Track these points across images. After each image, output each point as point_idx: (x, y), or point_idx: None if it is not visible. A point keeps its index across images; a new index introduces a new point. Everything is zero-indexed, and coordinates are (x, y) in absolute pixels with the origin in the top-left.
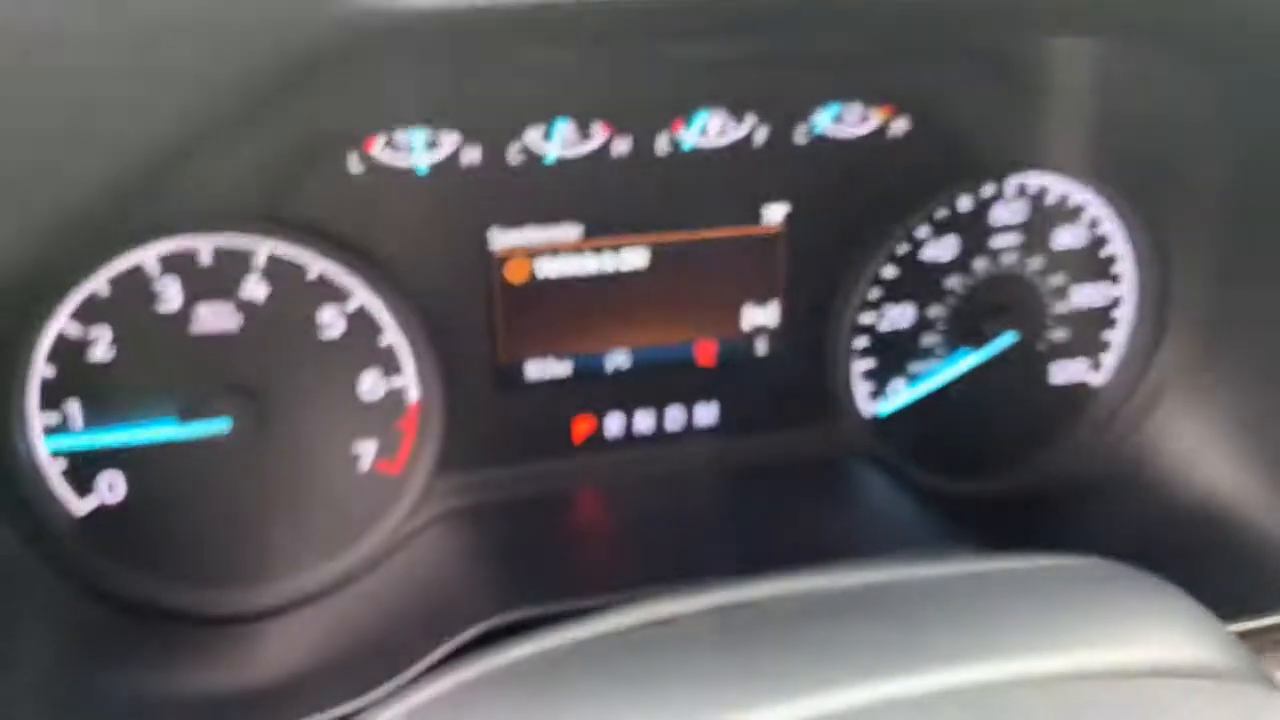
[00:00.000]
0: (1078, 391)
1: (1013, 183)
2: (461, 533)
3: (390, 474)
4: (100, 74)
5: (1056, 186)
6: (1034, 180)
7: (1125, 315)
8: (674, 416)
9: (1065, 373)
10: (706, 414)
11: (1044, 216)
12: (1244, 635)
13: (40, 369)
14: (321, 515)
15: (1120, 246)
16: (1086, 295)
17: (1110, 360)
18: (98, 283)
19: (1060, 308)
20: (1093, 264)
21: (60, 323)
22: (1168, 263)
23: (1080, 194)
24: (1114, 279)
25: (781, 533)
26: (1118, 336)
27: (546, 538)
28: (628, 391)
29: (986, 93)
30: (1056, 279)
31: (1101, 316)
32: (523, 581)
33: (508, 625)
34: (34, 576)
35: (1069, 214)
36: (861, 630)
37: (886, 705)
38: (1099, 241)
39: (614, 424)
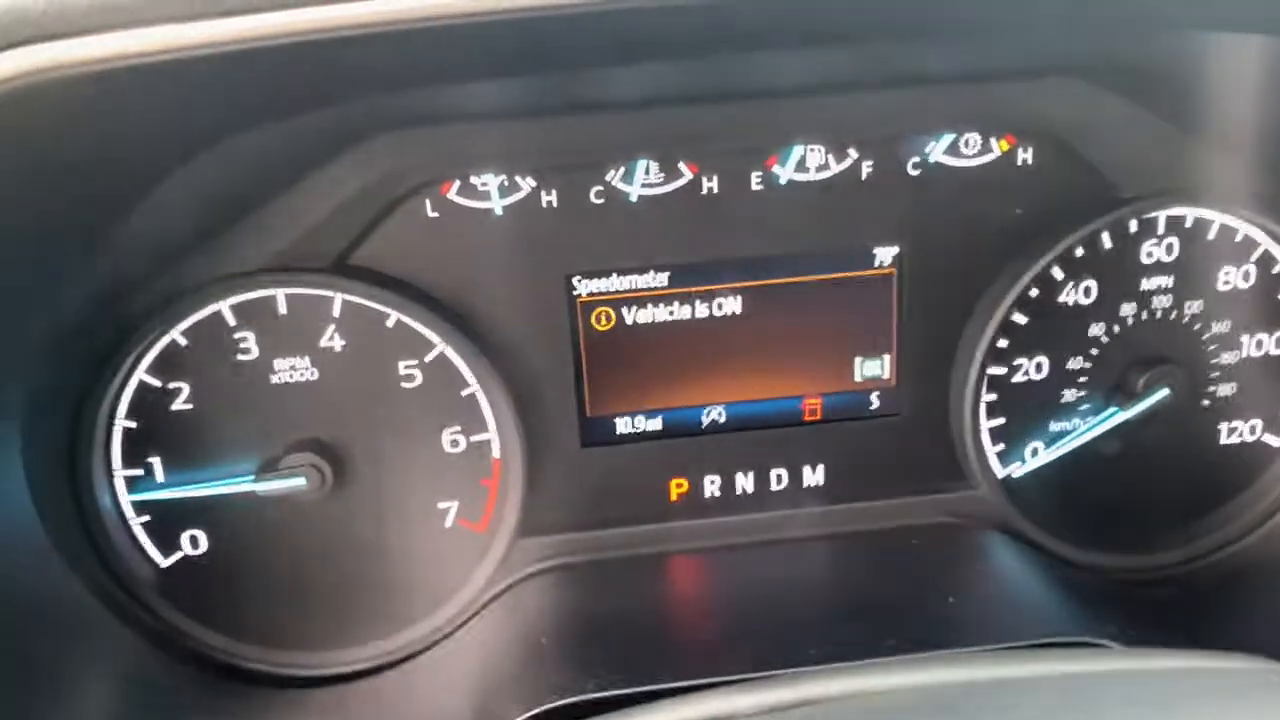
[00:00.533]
0: (1254, 454)
1: (1163, 216)
2: (546, 598)
3: (474, 531)
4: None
5: (1217, 220)
6: (1189, 213)
7: None
8: (777, 478)
9: (1238, 432)
10: (813, 475)
11: (1203, 254)
12: None
13: (122, 421)
14: (405, 575)
15: None
16: (1261, 343)
17: None
18: (176, 334)
19: (1228, 358)
20: (1267, 307)
21: (141, 374)
22: None
23: (1247, 228)
24: None
25: (897, 614)
26: None
27: (636, 610)
28: (725, 450)
29: (1126, 114)
30: (1221, 325)
31: None
32: (607, 659)
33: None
34: (103, 630)
35: (1235, 251)
36: None
37: None
38: (1274, 281)
39: (711, 485)
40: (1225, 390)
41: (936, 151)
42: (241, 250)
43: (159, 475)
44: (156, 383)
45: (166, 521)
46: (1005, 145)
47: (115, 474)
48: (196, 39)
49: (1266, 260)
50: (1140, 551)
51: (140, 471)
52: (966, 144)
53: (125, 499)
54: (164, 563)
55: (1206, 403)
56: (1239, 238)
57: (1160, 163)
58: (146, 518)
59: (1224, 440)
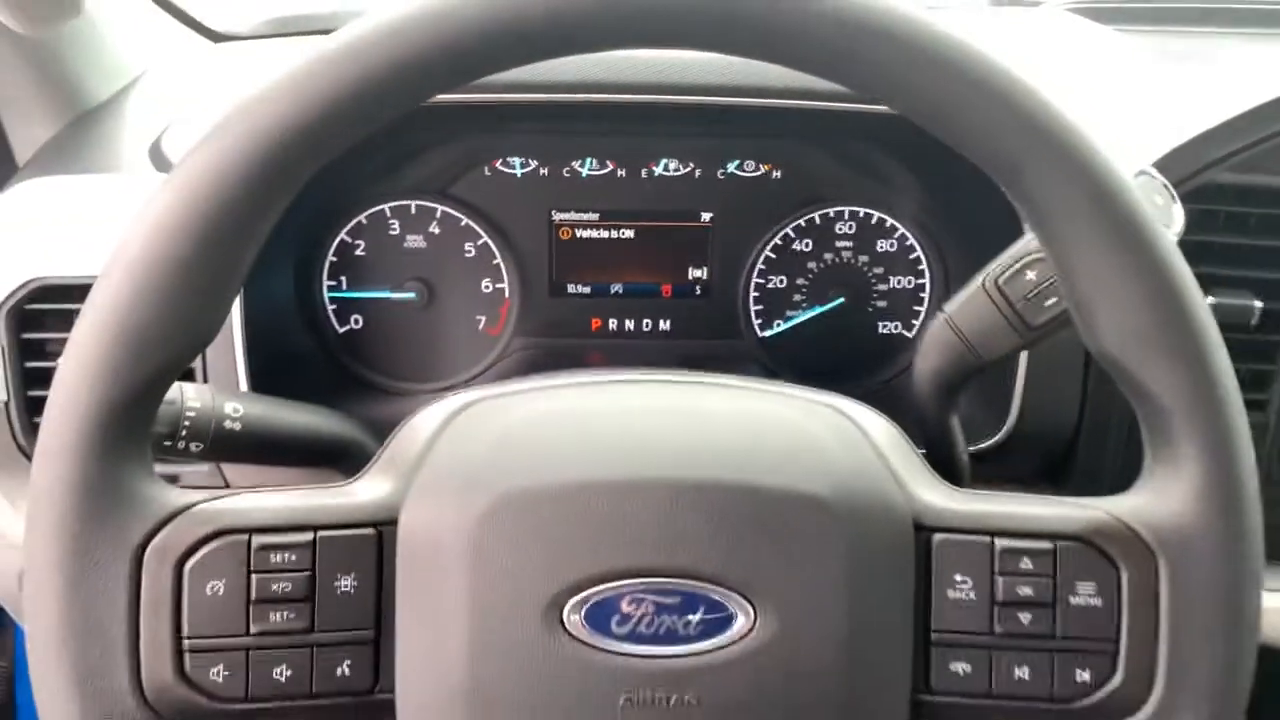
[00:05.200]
0: (895, 340)
1: (847, 211)
2: (526, 360)
3: (491, 334)
4: None
5: (877, 216)
6: (863, 210)
7: (926, 294)
8: (647, 324)
9: (887, 327)
10: (664, 324)
11: (871, 232)
12: None
13: (329, 257)
14: (458, 347)
15: (922, 254)
16: (900, 281)
17: (917, 323)
18: (361, 218)
19: (881, 287)
20: (903, 262)
21: (340, 235)
22: (947, 266)
23: (893, 221)
24: (919, 273)
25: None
26: (922, 308)
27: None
28: (622, 306)
29: (834, 159)
30: (878, 270)
31: (912, 295)
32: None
33: None
34: (317, 363)
35: (886, 232)
36: None
37: None
38: (908, 249)
39: (614, 323)
40: (881, 304)
41: (731, 168)
42: (389, 178)
43: (343, 286)
44: (349, 240)
45: (343, 309)
46: (767, 168)
47: (324, 282)
48: None
49: (904, 238)
50: (834, 385)
51: (335, 283)
52: (748, 166)
53: (326, 295)
54: (341, 330)
55: (870, 310)
56: (888, 225)
57: (848, 185)
58: (335, 306)
59: (881, 331)
